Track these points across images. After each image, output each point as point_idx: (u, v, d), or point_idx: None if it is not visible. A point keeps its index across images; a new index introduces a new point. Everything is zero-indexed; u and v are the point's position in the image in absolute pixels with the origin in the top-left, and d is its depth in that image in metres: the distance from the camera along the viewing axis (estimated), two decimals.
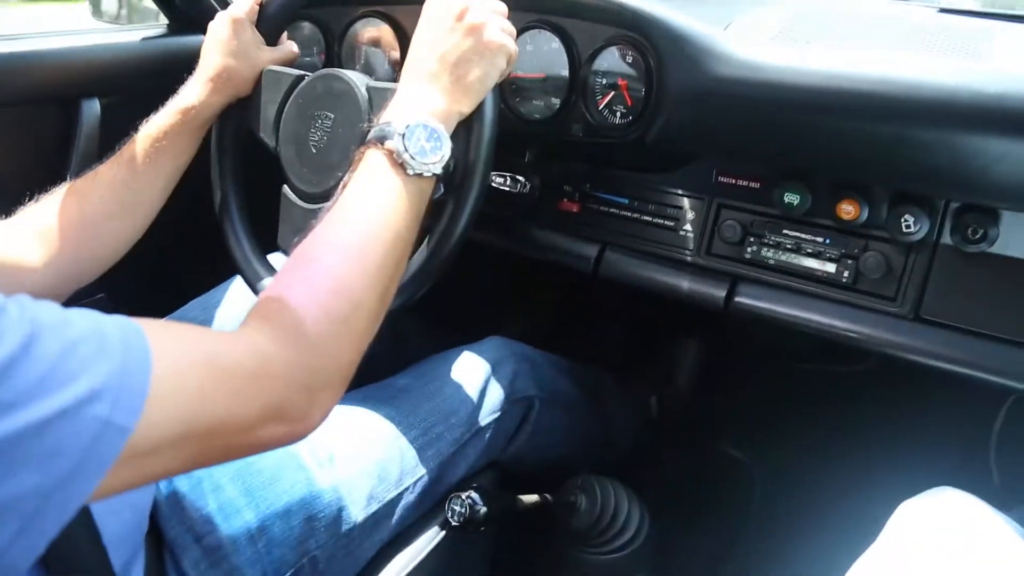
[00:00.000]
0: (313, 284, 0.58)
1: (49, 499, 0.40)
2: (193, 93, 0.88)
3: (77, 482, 0.41)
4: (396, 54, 1.11)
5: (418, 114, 0.69)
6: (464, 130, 0.76)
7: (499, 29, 0.75)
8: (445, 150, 0.69)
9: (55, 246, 0.79)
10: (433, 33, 0.74)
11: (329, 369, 0.57)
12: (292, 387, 0.54)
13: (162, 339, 0.48)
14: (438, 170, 0.69)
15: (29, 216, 0.81)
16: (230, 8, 0.92)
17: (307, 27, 1.16)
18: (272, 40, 0.94)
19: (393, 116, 0.69)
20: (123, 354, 0.44)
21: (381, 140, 0.68)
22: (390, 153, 0.67)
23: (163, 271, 1.21)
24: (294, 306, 0.57)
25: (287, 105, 0.90)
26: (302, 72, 0.91)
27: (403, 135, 0.67)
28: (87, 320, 0.45)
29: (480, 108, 0.76)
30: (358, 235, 0.63)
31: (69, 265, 0.81)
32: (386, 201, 0.66)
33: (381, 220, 0.64)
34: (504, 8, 0.78)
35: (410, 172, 0.67)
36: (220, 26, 0.90)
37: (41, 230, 0.80)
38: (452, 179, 0.78)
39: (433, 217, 0.78)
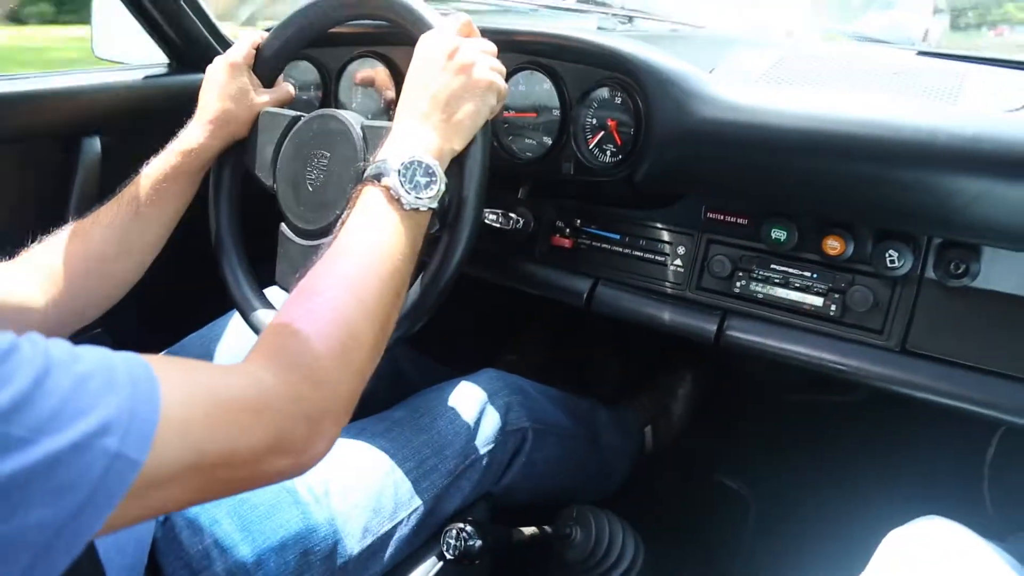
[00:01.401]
0: (315, 318, 0.60)
1: (60, 532, 0.41)
2: (192, 136, 0.90)
3: (87, 515, 0.42)
4: (391, 93, 1.13)
5: (413, 151, 0.71)
6: (457, 166, 0.78)
7: (489, 68, 0.77)
8: (440, 185, 0.71)
9: (58, 286, 0.81)
10: (425, 73, 0.76)
11: (331, 401, 0.58)
12: (295, 420, 0.55)
13: (169, 373, 0.49)
14: (434, 204, 0.71)
15: (33, 257, 0.82)
16: (227, 53, 0.94)
17: (304, 67, 1.19)
18: (269, 82, 0.96)
19: (389, 154, 0.71)
20: (132, 388, 0.45)
21: (378, 177, 0.70)
22: (387, 189, 0.69)
23: (161, 306, 1.22)
24: (296, 340, 0.58)
25: (284, 145, 0.92)
26: (298, 113, 0.93)
27: (399, 171, 0.69)
28: (96, 355, 0.46)
29: (472, 145, 0.78)
30: (357, 269, 0.64)
31: (72, 305, 0.82)
32: (384, 236, 0.68)
33: (379, 254, 0.66)
34: (494, 48, 0.80)
35: (406, 207, 0.69)
36: (218, 71, 0.92)
37: (44, 271, 0.81)
38: (446, 214, 0.80)
39: (428, 252, 0.79)
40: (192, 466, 0.48)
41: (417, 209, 0.70)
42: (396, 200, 0.69)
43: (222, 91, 0.91)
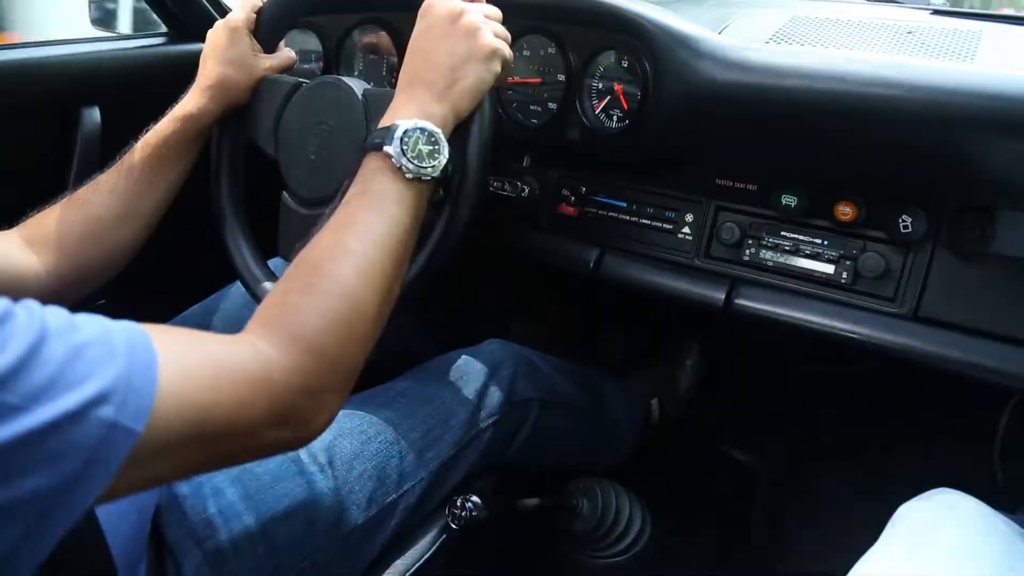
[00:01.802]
0: (315, 289, 0.59)
1: (56, 501, 0.40)
2: (192, 102, 0.89)
3: (83, 484, 0.41)
4: (394, 60, 1.12)
5: (415, 119, 0.70)
6: (461, 134, 0.77)
7: (493, 33, 0.75)
8: (443, 154, 0.70)
9: (59, 255, 0.80)
10: (428, 39, 0.74)
11: (332, 373, 0.57)
12: (296, 391, 0.55)
13: (167, 343, 0.48)
14: (436, 174, 0.69)
15: (33, 225, 0.81)
16: (227, 17, 0.92)
17: (305, 34, 1.17)
18: (270, 48, 0.95)
19: (391, 122, 0.70)
20: (129, 357, 0.45)
21: (379, 146, 0.68)
22: (388, 158, 0.68)
23: (163, 277, 1.21)
24: (296, 311, 0.57)
25: (285, 112, 0.91)
26: (300, 79, 0.91)
27: (401, 140, 0.68)
28: (93, 324, 0.45)
29: (477, 111, 0.76)
30: (359, 240, 0.63)
31: (73, 273, 0.82)
32: (385, 205, 0.66)
33: (381, 224, 0.65)
34: (498, 13, 0.78)
35: (409, 176, 0.68)
36: (218, 35, 0.91)
37: (45, 239, 0.80)
38: (450, 182, 0.78)
39: (431, 219, 0.78)
40: (191, 437, 0.48)
41: (419, 178, 0.69)
42: (398, 169, 0.68)
43: (222, 56, 0.89)
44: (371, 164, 0.68)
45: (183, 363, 0.49)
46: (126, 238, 0.87)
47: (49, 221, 0.82)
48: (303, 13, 0.96)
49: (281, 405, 0.54)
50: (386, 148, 0.68)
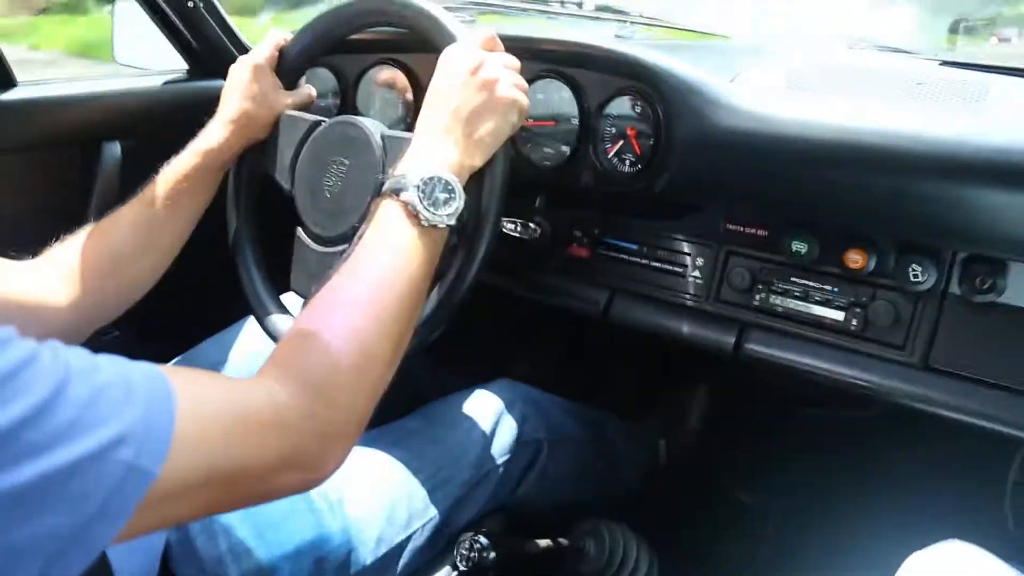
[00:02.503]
0: (330, 335, 0.59)
1: (73, 541, 0.41)
2: (213, 136, 0.90)
3: (101, 525, 0.42)
4: (410, 100, 1.13)
5: (433, 167, 0.71)
6: (476, 182, 0.78)
7: (512, 85, 0.76)
8: (459, 202, 0.71)
9: (78, 286, 0.81)
10: (447, 87, 0.76)
11: (343, 419, 0.58)
12: (307, 436, 0.55)
13: (185, 386, 0.49)
14: (452, 222, 0.70)
15: (53, 257, 0.83)
16: (250, 54, 0.95)
17: (323, 73, 1.19)
18: (291, 85, 0.97)
19: (408, 168, 0.71)
20: (148, 400, 0.45)
21: (397, 192, 0.69)
22: (405, 205, 0.68)
23: (178, 309, 1.22)
24: (311, 357, 0.58)
25: (303, 149, 0.92)
26: (319, 118, 0.93)
27: (418, 187, 0.69)
28: (114, 366, 0.46)
29: (492, 161, 0.78)
30: (373, 286, 0.64)
31: (91, 304, 0.82)
32: (400, 252, 0.67)
33: (395, 271, 0.66)
34: (517, 63, 0.80)
35: (424, 224, 0.69)
36: (240, 71, 0.93)
37: (65, 270, 0.81)
38: (464, 228, 0.79)
39: (445, 264, 0.79)
40: (205, 479, 0.48)
41: (435, 226, 0.69)
42: (414, 216, 0.68)
43: (244, 91, 0.91)
44: (387, 210, 0.69)
45: (200, 407, 0.49)
46: (145, 270, 0.88)
47: (70, 252, 0.83)
48: (325, 52, 0.98)
49: (292, 450, 0.54)
50: (403, 195, 0.69)
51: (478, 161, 0.75)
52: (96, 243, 0.84)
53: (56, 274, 0.81)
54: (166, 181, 0.88)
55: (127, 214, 0.87)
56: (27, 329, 0.71)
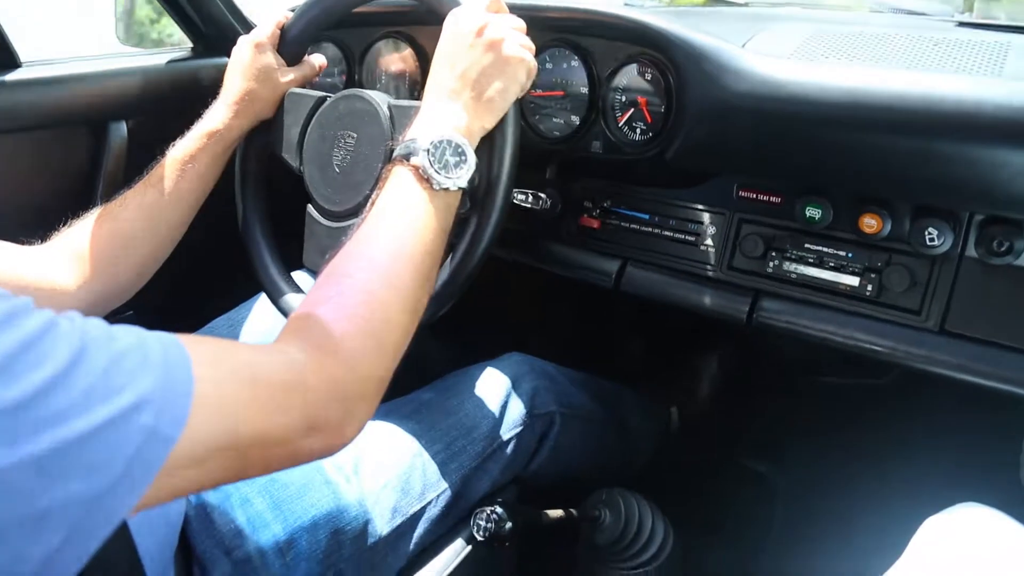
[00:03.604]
0: (346, 299, 0.60)
1: (96, 507, 0.41)
2: (218, 117, 0.90)
3: (123, 491, 0.42)
4: (416, 73, 1.12)
5: (442, 130, 0.70)
6: (487, 145, 0.77)
7: (518, 44, 0.76)
8: (470, 164, 0.70)
9: (88, 268, 0.82)
10: (453, 50, 0.75)
11: (363, 382, 0.58)
12: (328, 400, 0.55)
13: (202, 353, 0.49)
14: (464, 184, 0.70)
15: (63, 240, 0.83)
16: (252, 33, 0.94)
17: (328, 48, 1.18)
18: (294, 63, 0.96)
19: (418, 133, 0.71)
20: (165, 366, 0.45)
21: (407, 157, 0.69)
22: (416, 169, 0.68)
23: (190, 289, 1.22)
24: (328, 321, 0.58)
25: (310, 126, 0.92)
26: (324, 93, 0.92)
27: (428, 151, 0.68)
28: (130, 334, 0.46)
29: (502, 123, 0.77)
30: (388, 250, 0.64)
31: (102, 286, 0.83)
32: (414, 216, 0.67)
33: (410, 235, 0.66)
34: (522, 24, 0.79)
35: (436, 187, 0.68)
36: (242, 51, 0.92)
37: (75, 253, 0.82)
38: (475, 194, 0.79)
39: (457, 232, 0.79)
40: (226, 445, 0.48)
41: (447, 189, 0.69)
42: (426, 180, 0.68)
43: (247, 71, 0.91)
44: (399, 175, 0.69)
45: (218, 372, 0.49)
46: (153, 251, 0.89)
47: (79, 236, 0.83)
48: (327, 27, 0.97)
49: (313, 413, 0.54)
50: (413, 160, 0.69)
51: (488, 123, 0.75)
52: (104, 226, 0.84)
53: (66, 258, 0.81)
54: (172, 163, 0.88)
55: (134, 197, 0.87)
56: None
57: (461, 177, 0.70)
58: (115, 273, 0.84)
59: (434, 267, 0.68)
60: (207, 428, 0.47)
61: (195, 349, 0.48)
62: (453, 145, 0.70)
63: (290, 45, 0.95)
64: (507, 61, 0.74)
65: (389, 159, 0.73)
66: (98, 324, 0.45)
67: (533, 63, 0.77)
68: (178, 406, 0.45)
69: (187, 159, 0.88)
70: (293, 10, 0.96)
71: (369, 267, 0.62)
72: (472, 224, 0.80)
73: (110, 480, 0.41)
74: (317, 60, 0.99)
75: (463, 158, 0.70)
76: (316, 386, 0.55)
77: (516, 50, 0.75)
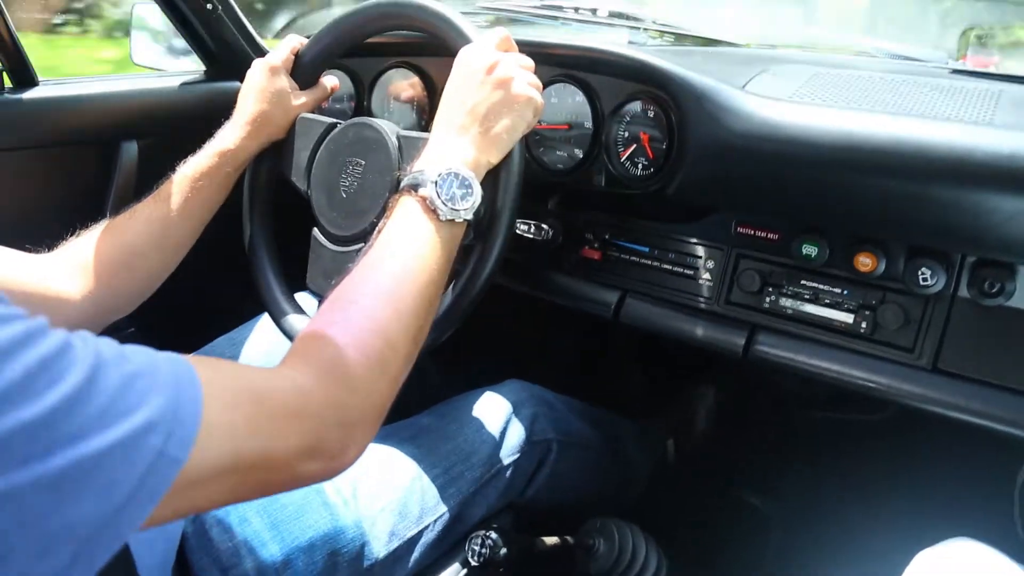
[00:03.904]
0: (351, 325, 0.61)
1: (104, 527, 0.42)
2: (229, 137, 0.92)
3: (130, 511, 0.43)
4: (425, 103, 1.15)
5: (450, 163, 0.72)
6: (492, 179, 0.79)
7: (526, 83, 0.78)
8: (476, 197, 0.72)
9: (93, 279, 0.82)
10: (464, 86, 0.77)
11: (365, 407, 0.59)
12: (330, 424, 0.56)
13: (210, 375, 0.50)
14: (469, 216, 0.72)
15: (69, 251, 0.84)
16: (267, 56, 0.96)
17: (339, 76, 1.20)
18: (307, 87, 0.98)
19: (426, 165, 0.72)
20: (176, 388, 0.46)
21: (415, 187, 0.71)
22: (423, 200, 0.70)
23: (192, 307, 1.23)
24: (333, 346, 0.59)
25: (319, 151, 0.94)
26: (334, 120, 0.94)
27: (436, 183, 0.70)
28: (142, 354, 0.47)
29: (508, 158, 0.79)
30: (393, 278, 0.65)
31: (105, 298, 0.84)
32: (420, 245, 0.69)
33: (415, 263, 0.67)
34: (531, 63, 0.81)
35: (442, 218, 0.70)
36: (257, 73, 0.95)
37: (80, 264, 0.83)
38: (480, 225, 0.81)
39: (460, 261, 0.80)
40: (231, 466, 0.49)
41: (453, 220, 0.71)
42: (432, 211, 0.70)
43: (260, 93, 0.93)
44: (406, 205, 0.71)
45: (225, 394, 0.50)
46: (158, 265, 0.90)
47: (86, 247, 0.84)
48: (341, 55, 0.99)
49: (315, 437, 0.55)
50: (421, 191, 0.70)
51: (494, 158, 0.77)
52: (111, 238, 0.86)
53: (70, 267, 0.82)
54: (182, 180, 0.90)
55: (143, 210, 0.88)
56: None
57: (467, 209, 0.71)
58: (119, 285, 0.85)
59: (437, 295, 0.70)
60: (213, 450, 0.47)
61: (204, 371, 0.49)
62: (460, 178, 0.71)
63: (304, 70, 0.97)
64: (515, 99, 0.76)
65: (396, 188, 0.75)
66: (110, 344, 0.46)
67: (540, 101, 0.79)
68: (187, 428, 0.46)
69: (197, 176, 0.90)
70: (308, 36, 0.98)
71: (375, 294, 0.64)
72: (475, 254, 0.82)
73: (119, 500, 0.42)
74: (329, 82, 1.01)
75: (469, 191, 0.72)
76: (319, 411, 0.55)
77: (524, 89, 0.77)
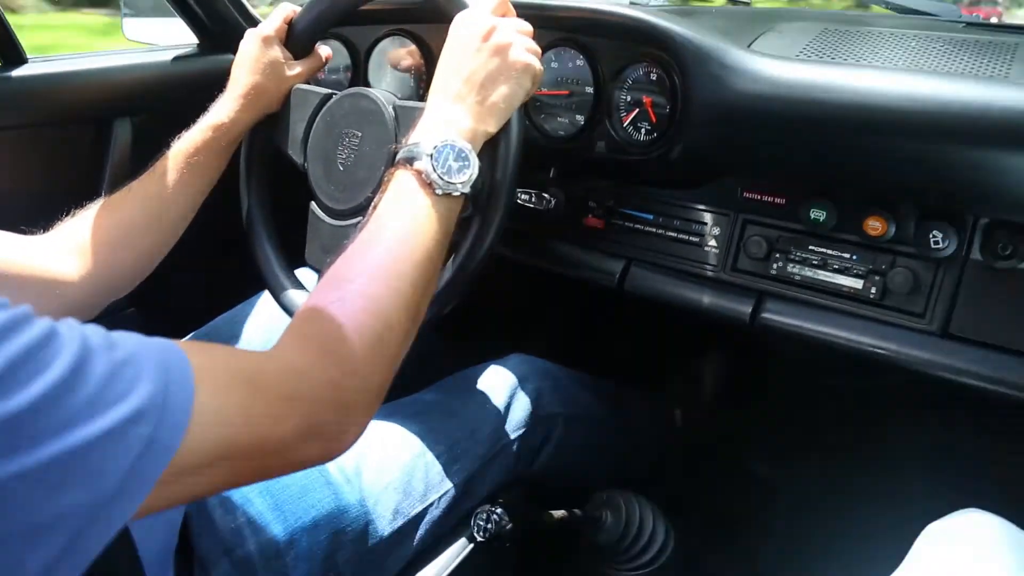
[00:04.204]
0: (347, 304, 0.59)
1: (95, 516, 0.41)
2: (224, 110, 0.90)
3: (122, 500, 0.42)
4: (422, 71, 1.12)
5: (446, 134, 0.70)
6: (490, 149, 0.77)
7: (524, 49, 0.75)
8: (473, 169, 0.70)
9: (90, 259, 0.81)
10: (460, 54, 0.75)
11: (363, 388, 0.58)
12: (327, 406, 0.55)
13: (202, 360, 0.49)
14: (466, 189, 0.70)
15: (66, 230, 0.83)
16: (260, 27, 0.94)
17: (334, 46, 1.18)
18: (301, 57, 0.96)
19: (421, 137, 0.70)
20: (166, 375, 0.45)
21: (410, 161, 0.69)
22: (419, 173, 0.68)
23: (191, 287, 1.23)
24: (328, 326, 0.58)
25: (315, 123, 0.92)
26: (330, 91, 0.92)
27: (431, 155, 0.68)
28: (130, 342, 0.46)
29: (506, 127, 0.77)
30: (389, 255, 0.63)
31: (103, 277, 0.83)
32: (416, 221, 0.67)
33: (411, 240, 0.65)
34: (529, 28, 0.78)
35: (439, 192, 0.68)
36: (250, 44, 0.92)
37: (77, 243, 0.82)
38: (478, 197, 0.79)
39: (460, 234, 0.78)
40: (225, 452, 0.48)
41: (449, 194, 0.69)
42: (428, 184, 0.68)
43: (254, 64, 0.91)
44: (401, 179, 0.69)
45: (217, 380, 0.49)
46: (156, 243, 0.88)
47: (83, 226, 0.83)
48: (334, 24, 0.97)
49: (312, 420, 0.54)
50: (416, 164, 0.68)
51: (492, 127, 0.74)
52: (107, 216, 0.84)
53: (68, 247, 0.81)
54: (177, 155, 0.88)
55: (138, 188, 0.87)
56: (41, 302, 0.72)
57: (464, 182, 0.69)
58: (117, 263, 0.84)
59: (435, 271, 0.68)
60: (206, 437, 0.46)
61: (195, 357, 0.48)
62: (456, 149, 0.69)
63: (297, 39, 0.95)
64: (513, 66, 0.74)
65: (393, 160, 0.73)
66: (97, 331, 0.45)
67: (539, 68, 0.77)
68: (178, 415, 0.45)
69: (192, 151, 0.88)
70: (301, 5, 0.96)
71: (370, 272, 0.62)
72: (474, 227, 0.80)
73: (110, 489, 0.41)
74: (323, 51, 0.99)
75: (466, 163, 0.70)
76: (316, 393, 0.54)
77: (522, 55, 0.75)
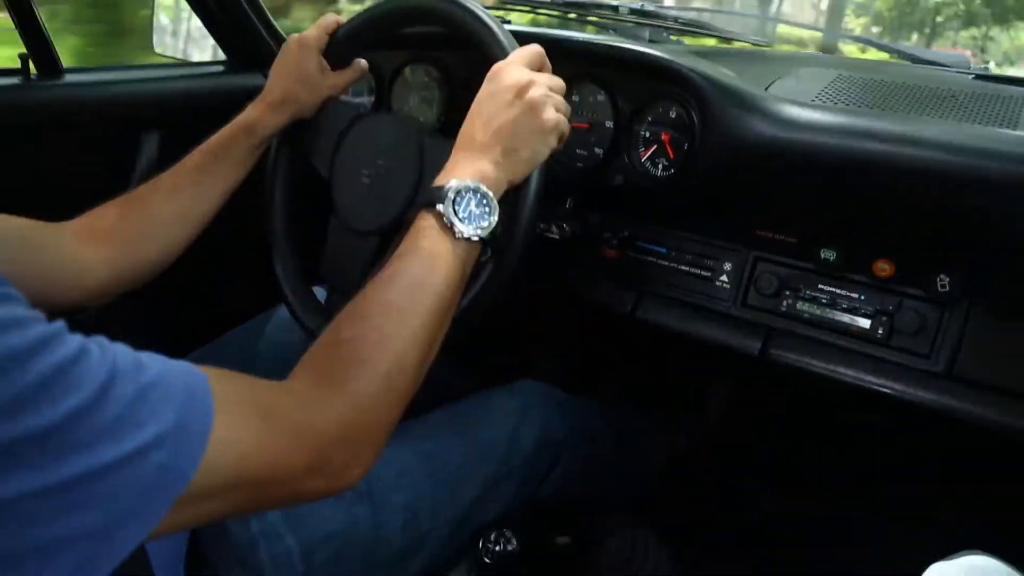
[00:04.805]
0: (361, 342, 0.60)
1: (106, 538, 0.41)
2: (255, 112, 0.92)
3: (134, 523, 0.42)
4: (445, 97, 1.15)
5: (469, 180, 0.71)
6: (510, 199, 0.77)
7: (555, 108, 0.77)
8: (493, 217, 0.71)
9: (114, 248, 0.82)
10: (492, 105, 0.75)
11: (372, 427, 0.58)
12: (335, 443, 0.56)
13: (223, 388, 0.49)
14: (485, 235, 0.71)
15: (91, 219, 0.84)
16: (302, 34, 0.95)
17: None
18: (339, 68, 0.97)
19: (445, 181, 0.71)
20: (188, 402, 0.46)
21: (432, 204, 0.70)
22: (440, 217, 0.69)
23: (208, 296, 1.24)
24: (343, 364, 0.58)
25: (344, 140, 0.93)
26: (364, 108, 0.93)
27: (454, 200, 0.69)
28: (157, 365, 0.46)
29: (528, 179, 0.78)
30: (406, 296, 0.64)
31: (122, 265, 0.84)
32: (434, 263, 0.67)
33: (429, 283, 0.66)
34: (562, 85, 0.79)
35: (458, 236, 0.69)
36: (289, 50, 0.94)
37: (102, 233, 0.83)
38: (497, 243, 0.80)
39: (473, 274, 0.79)
40: (235, 482, 0.49)
41: (469, 239, 0.70)
42: (449, 229, 0.69)
43: (290, 70, 0.93)
44: (423, 221, 0.70)
45: (235, 410, 0.50)
46: (178, 237, 0.89)
47: (107, 216, 0.84)
48: (376, 42, 0.97)
49: (319, 455, 0.55)
50: (439, 207, 0.69)
51: (516, 179, 0.76)
52: (134, 208, 0.86)
53: (93, 235, 0.82)
54: (207, 153, 0.90)
55: (166, 181, 0.88)
56: (59, 285, 0.72)
57: (484, 228, 0.70)
58: (137, 253, 0.85)
59: (449, 314, 0.69)
60: (219, 466, 0.47)
61: (216, 384, 0.49)
62: (479, 196, 0.70)
63: (336, 50, 0.95)
64: (543, 125, 0.75)
65: (415, 193, 0.73)
66: (126, 352, 0.46)
67: (567, 127, 0.78)
68: (195, 443, 0.45)
69: (221, 151, 0.90)
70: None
71: (387, 312, 0.63)
72: (488, 270, 0.80)
73: (124, 512, 0.42)
74: (360, 64, 0.99)
75: (487, 210, 0.71)
76: (325, 429, 0.55)
77: (552, 114, 0.76)
